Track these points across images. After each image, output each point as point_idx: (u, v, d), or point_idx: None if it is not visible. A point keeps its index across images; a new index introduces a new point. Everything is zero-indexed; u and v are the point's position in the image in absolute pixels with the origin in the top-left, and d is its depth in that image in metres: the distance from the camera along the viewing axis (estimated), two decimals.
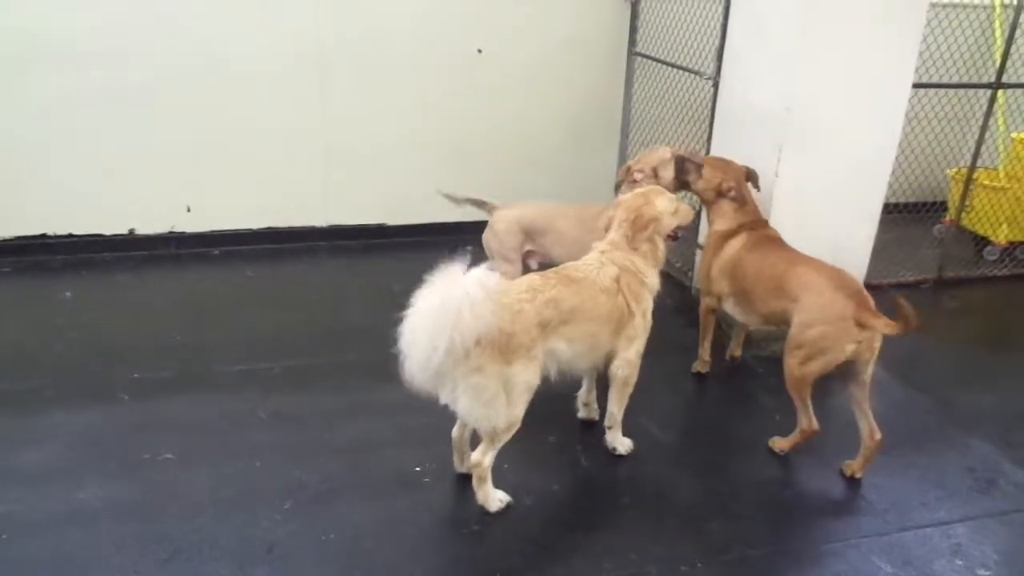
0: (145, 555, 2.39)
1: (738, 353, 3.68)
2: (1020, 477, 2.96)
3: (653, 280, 2.86)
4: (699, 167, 3.38)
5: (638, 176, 3.44)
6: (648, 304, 2.85)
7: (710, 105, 4.05)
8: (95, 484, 2.68)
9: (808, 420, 2.91)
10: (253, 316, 3.94)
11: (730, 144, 3.86)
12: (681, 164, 3.39)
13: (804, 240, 3.26)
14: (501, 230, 3.62)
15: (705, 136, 4.13)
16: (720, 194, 3.33)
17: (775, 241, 3.25)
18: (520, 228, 3.61)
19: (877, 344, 2.78)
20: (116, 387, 3.23)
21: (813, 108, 3.44)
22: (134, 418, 3.06)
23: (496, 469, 2.64)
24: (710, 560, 2.48)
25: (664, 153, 3.48)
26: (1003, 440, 3.17)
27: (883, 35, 3.43)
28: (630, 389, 2.90)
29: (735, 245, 3.24)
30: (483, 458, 2.58)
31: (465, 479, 2.72)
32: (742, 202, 3.31)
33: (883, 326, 2.70)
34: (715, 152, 4.01)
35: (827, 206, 3.62)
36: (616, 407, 2.93)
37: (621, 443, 2.98)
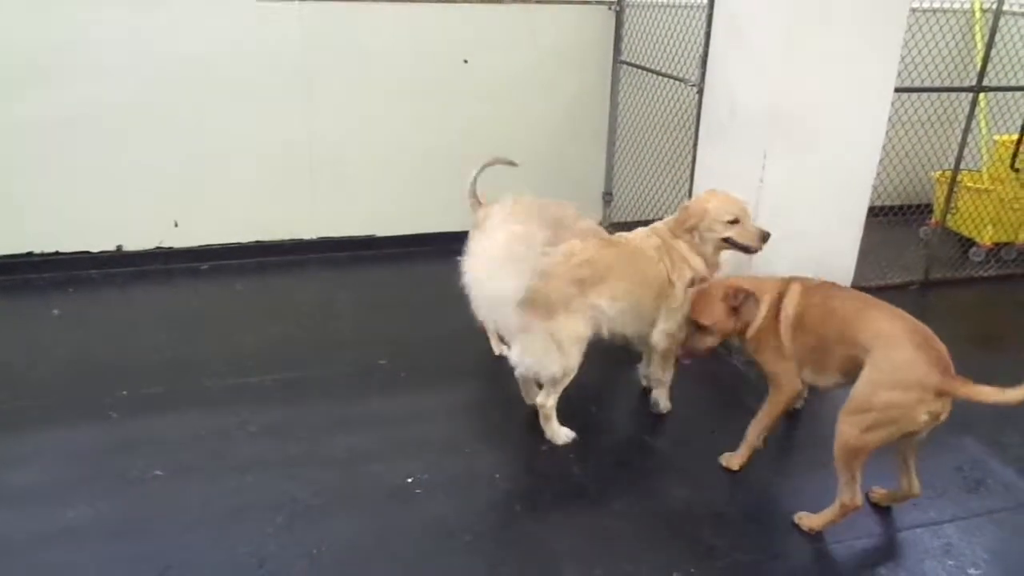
0: (135, 574, 2.37)
1: None
2: (1008, 476, 2.98)
3: (696, 264, 3.07)
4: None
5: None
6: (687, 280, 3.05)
7: (695, 112, 4.07)
8: (84, 503, 2.66)
9: (852, 494, 2.49)
10: (242, 330, 3.93)
11: (715, 151, 3.89)
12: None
13: (791, 246, 3.28)
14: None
15: (691, 143, 4.15)
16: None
17: (831, 284, 2.84)
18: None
19: (948, 410, 2.38)
20: (105, 405, 3.21)
21: (797, 114, 3.47)
22: (123, 435, 3.04)
23: (487, 478, 2.63)
24: (703, 566, 2.48)
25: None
26: (992, 439, 3.18)
27: (865, 40, 3.46)
28: (672, 359, 3.17)
29: (790, 302, 2.74)
30: (547, 400, 2.94)
31: (456, 488, 2.72)
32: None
33: (976, 393, 2.26)
34: (700, 160, 4.03)
35: (813, 211, 3.64)
36: (660, 372, 3.21)
37: (664, 402, 3.26)
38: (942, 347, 2.42)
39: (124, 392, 3.30)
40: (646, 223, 4.94)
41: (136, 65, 4.25)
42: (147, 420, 3.14)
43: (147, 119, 4.35)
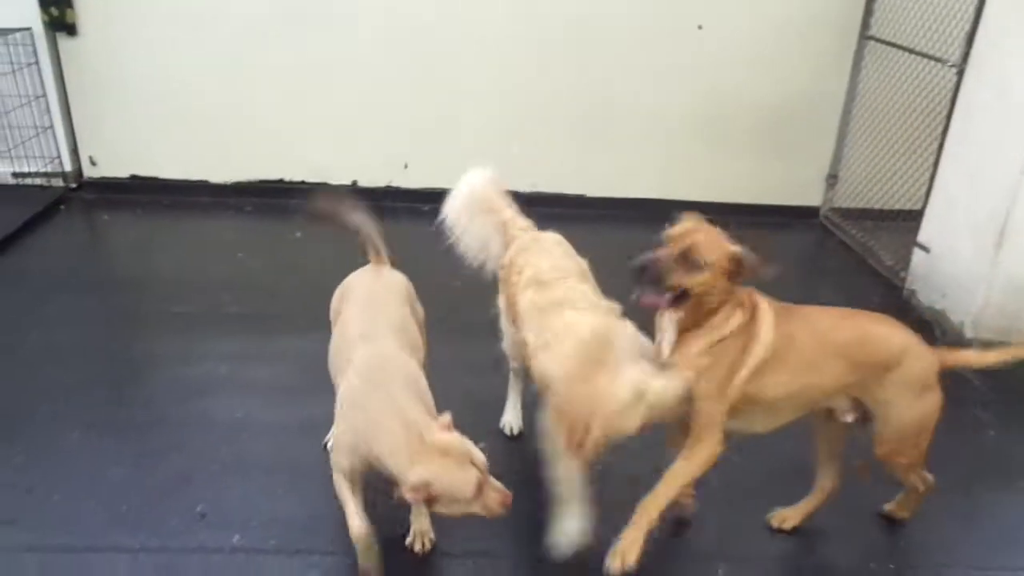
0: None
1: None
2: None
3: None
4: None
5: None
6: None
7: (950, 95, 3.76)
8: (317, 403, 2.96)
9: (924, 480, 2.50)
10: (453, 273, 4.16)
11: (971, 136, 3.58)
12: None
13: None
14: None
15: (939, 128, 3.84)
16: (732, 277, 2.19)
17: (787, 305, 2.35)
18: None
19: None
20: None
21: None
22: None
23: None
24: None
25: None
26: None
27: None
28: None
29: (766, 326, 2.24)
30: None
31: None
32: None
33: (961, 359, 2.42)
34: (948, 146, 3.72)
35: None
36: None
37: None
38: None
39: None
40: (872, 211, 4.68)
41: (383, 19, 4.58)
42: None
43: (388, 69, 4.70)
